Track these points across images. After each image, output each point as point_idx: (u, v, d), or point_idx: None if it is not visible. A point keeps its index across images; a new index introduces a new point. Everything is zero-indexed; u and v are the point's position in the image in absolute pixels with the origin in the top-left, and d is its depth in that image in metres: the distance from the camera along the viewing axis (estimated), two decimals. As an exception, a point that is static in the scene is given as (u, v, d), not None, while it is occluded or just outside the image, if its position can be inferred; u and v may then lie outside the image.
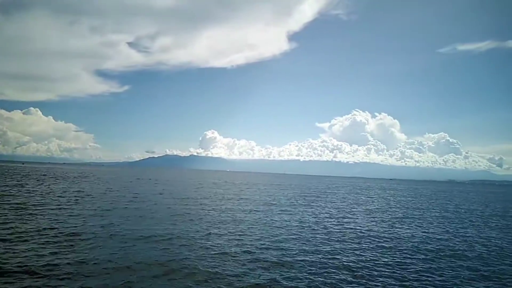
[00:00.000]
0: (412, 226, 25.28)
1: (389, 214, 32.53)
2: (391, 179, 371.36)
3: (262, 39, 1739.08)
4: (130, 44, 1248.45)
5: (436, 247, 18.41)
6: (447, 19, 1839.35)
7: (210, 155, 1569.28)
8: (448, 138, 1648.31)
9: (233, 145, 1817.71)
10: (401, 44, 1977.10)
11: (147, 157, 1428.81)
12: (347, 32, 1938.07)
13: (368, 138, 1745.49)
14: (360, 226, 23.99)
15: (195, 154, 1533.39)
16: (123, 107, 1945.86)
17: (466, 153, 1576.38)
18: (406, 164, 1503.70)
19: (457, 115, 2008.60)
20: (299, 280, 12.03)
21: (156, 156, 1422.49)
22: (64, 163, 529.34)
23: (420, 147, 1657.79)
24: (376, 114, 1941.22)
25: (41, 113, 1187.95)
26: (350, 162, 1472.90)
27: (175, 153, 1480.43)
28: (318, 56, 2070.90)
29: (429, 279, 13.13)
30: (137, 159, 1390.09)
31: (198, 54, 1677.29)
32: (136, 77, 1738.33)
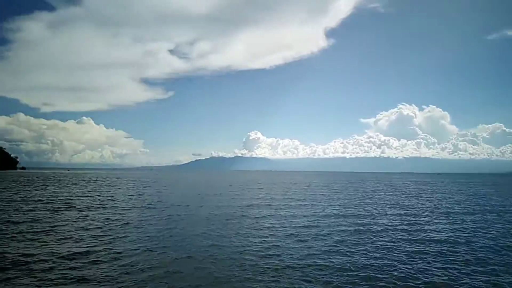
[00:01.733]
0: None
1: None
2: (439, 174, 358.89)
3: (298, 38, 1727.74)
4: (171, 51, 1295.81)
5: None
6: (493, 3, 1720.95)
7: (254, 155, 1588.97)
8: (504, 128, 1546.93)
9: (277, 144, 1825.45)
10: (445, 33, 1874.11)
11: (194, 159, 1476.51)
12: (387, 24, 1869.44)
13: (416, 132, 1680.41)
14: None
15: (240, 155, 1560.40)
16: (169, 113, 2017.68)
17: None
18: (460, 157, 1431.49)
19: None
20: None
21: (202, 158, 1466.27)
22: (115, 168, 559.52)
23: (474, 139, 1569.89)
24: (424, 106, 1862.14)
25: (93, 122, 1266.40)
26: (399, 158, 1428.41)
27: (220, 155, 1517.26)
28: (358, 50, 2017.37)
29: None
30: (185, 162, 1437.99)
31: (235, 58, 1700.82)
32: (179, 83, 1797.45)
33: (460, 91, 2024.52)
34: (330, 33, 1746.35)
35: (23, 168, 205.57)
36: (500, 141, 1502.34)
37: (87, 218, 23.47)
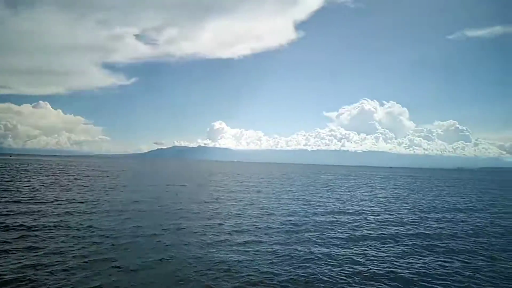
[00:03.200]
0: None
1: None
2: (391, 167, 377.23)
3: (268, 29, 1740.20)
4: (137, 36, 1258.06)
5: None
6: (455, 4, 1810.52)
7: (218, 146, 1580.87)
8: (457, 125, 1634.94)
9: (241, 135, 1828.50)
10: (409, 32, 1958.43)
11: (156, 148, 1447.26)
12: (355, 20, 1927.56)
13: (376, 127, 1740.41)
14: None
15: (203, 145, 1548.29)
16: (131, 99, 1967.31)
17: (476, 140, 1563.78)
18: (414, 152, 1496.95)
19: (467, 102, 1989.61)
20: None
21: (164, 147, 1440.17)
22: (70, 155, 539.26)
23: (429, 135, 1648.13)
24: (385, 102, 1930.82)
25: (50, 106, 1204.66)
26: (358, 151, 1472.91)
27: (183, 145, 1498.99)
28: (326, 45, 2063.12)
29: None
30: (146, 151, 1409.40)
31: (204, 45, 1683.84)
32: (143, 69, 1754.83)
33: (419, 88, 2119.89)
34: (299, 26, 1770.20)
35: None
36: (452, 137, 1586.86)
37: None
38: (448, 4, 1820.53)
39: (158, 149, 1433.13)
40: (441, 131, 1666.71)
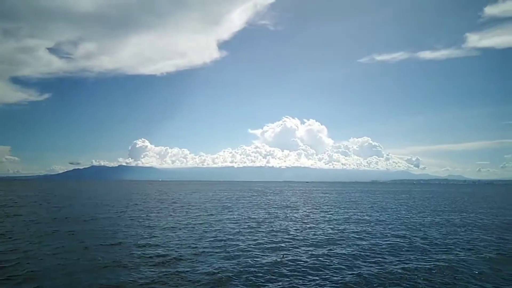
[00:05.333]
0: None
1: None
2: (307, 182, 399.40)
3: (191, 46, 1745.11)
4: (50, 49, 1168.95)
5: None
6: (365, 31, 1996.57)
7: (140, 164, 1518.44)
8: (370, 141, 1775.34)
9: (165, 153, 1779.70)
10: (325, 54, 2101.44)
11: (72, 169, 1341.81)
12: (275, 41, 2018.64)
13: (298, 143, 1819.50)
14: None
15: (124, 164, 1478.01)
16: (44, 116, 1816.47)
17: (387, 155, 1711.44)
18: (334, 167, 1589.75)
19: (378, 120, 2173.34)
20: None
21: (81, 167, 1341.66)
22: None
23: (346, 150, 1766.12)
24: (305, 120, 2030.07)
25: None
26: (282, 167, 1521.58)
27: (102, 164, 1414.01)
28: (248, 64, 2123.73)
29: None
30: (60, 172, 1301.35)
31: (125, 61, 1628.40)
32: (57, 84, 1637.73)
33: (335, 106, 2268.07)
34: (222, 45, 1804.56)
35: None
36: (367, 153, 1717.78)
37: None
38: (359, 31, 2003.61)
39: (74, 169, 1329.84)
40: (357, 147, 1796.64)
